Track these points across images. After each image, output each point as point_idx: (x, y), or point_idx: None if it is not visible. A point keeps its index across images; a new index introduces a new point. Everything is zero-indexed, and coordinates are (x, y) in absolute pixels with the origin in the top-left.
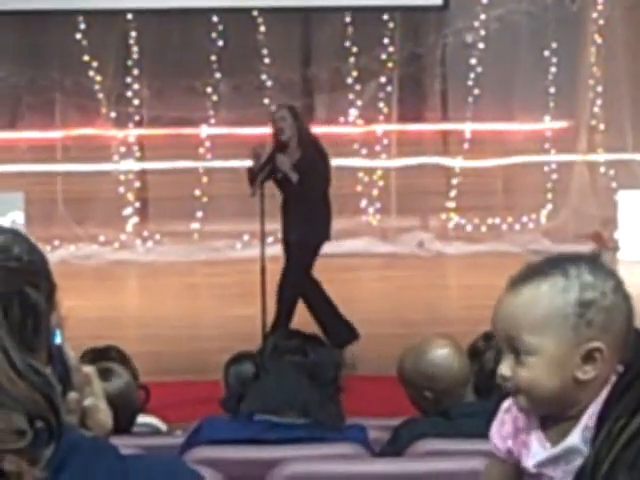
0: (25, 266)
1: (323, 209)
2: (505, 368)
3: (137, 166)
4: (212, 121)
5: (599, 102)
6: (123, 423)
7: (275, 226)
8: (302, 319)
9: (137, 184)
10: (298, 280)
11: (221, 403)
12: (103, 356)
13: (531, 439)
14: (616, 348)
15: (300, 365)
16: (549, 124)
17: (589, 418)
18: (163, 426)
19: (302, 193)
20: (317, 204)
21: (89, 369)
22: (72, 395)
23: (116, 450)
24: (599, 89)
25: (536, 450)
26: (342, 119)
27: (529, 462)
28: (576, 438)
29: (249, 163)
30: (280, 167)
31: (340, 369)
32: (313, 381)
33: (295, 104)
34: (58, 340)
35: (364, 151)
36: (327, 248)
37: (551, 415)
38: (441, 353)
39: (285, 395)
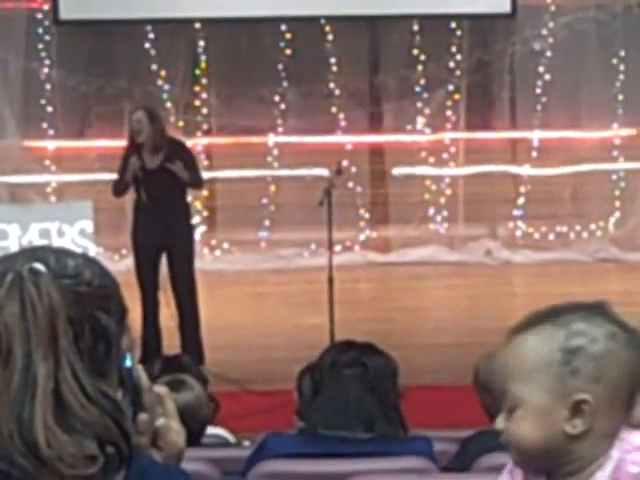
0: (96, 291)
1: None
2: (499, 421)
3: (205, 175)
4: (280, 129)
5: None
6: (192, 436)
7: (343, 234)
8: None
9: (205, 192)
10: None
11: (297, 412)
12: (174, 364)
13: None
14: (615, 400)
15: (360, 378)
16: (617, 131)
17: None
18: (231, 437)
19: (180, 191)
20: (186, 201)
21: (162, 389)
22: (142, 416)
23: (187, 476)
24: None
25: None
26: (410, 127)
27: None
28: None
29: (318, 172)
30: (172, 169)
31: (397, 375)
32: (373, 391)
33: (363, 112)
34: (128, 363)
35: (432, 159)
36: (394, 257)
37: (552, 471)
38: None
39: (349, 410)
